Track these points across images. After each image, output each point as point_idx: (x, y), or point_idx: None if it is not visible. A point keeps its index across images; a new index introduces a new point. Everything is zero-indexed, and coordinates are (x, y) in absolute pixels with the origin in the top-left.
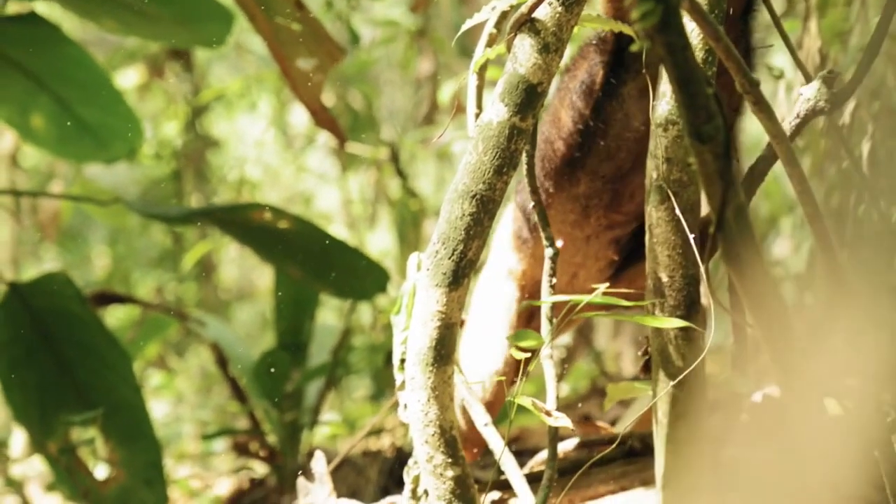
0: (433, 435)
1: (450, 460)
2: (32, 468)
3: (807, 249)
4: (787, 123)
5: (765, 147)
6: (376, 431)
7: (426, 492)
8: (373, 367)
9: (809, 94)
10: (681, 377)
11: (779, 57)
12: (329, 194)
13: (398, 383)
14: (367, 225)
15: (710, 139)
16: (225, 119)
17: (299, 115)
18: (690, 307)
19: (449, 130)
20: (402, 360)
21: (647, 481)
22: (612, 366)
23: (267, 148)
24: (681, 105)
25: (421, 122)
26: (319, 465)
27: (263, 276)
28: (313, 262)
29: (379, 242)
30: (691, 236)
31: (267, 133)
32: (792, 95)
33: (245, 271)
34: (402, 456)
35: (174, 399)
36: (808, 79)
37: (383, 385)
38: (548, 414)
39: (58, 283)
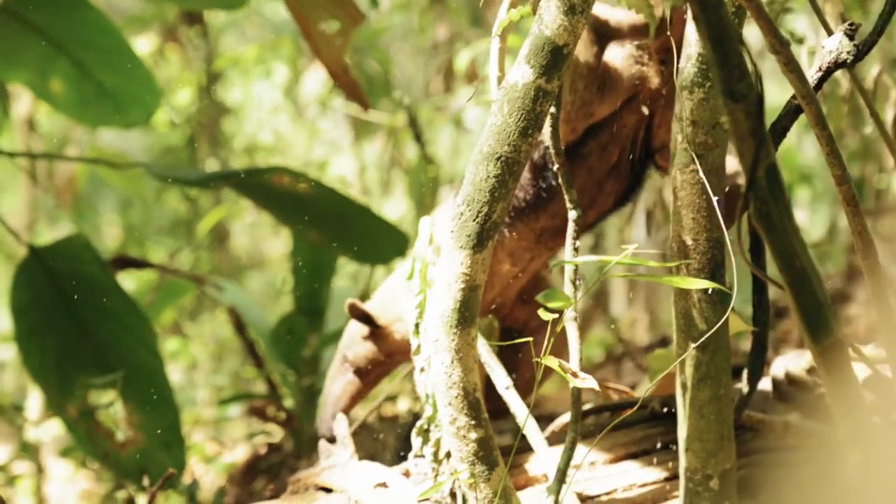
0: (456, 397)
1: (473, 422)
2: (46, 433)
3: (823, 219)
4: (810, 78)
5: (785, 105)
6: (393, 397)
7: (448, 454)
8: None
9: (831, 46)
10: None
11: (800, 22)
12: (342, 162)
13: (413, 348)
14: (381, 192)
15: (743, 98)
16: (240, 86)
17: (313, 83)
18: (715, 270)
19: (464, 98)
20: (416, 325)
21: (669, 444)
22: (628, 333)
23: (281, 115)
24: (714, 64)
25: (435, 90)
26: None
27: (273, 245)
28: (332, 226)
29: (394, 209)
30: (715, 199)
31: (281, 100)
32: (814, 60)
33: (255, 241)
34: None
35: (189, 365)
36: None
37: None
38: (574, 375)
39: (77, 247)
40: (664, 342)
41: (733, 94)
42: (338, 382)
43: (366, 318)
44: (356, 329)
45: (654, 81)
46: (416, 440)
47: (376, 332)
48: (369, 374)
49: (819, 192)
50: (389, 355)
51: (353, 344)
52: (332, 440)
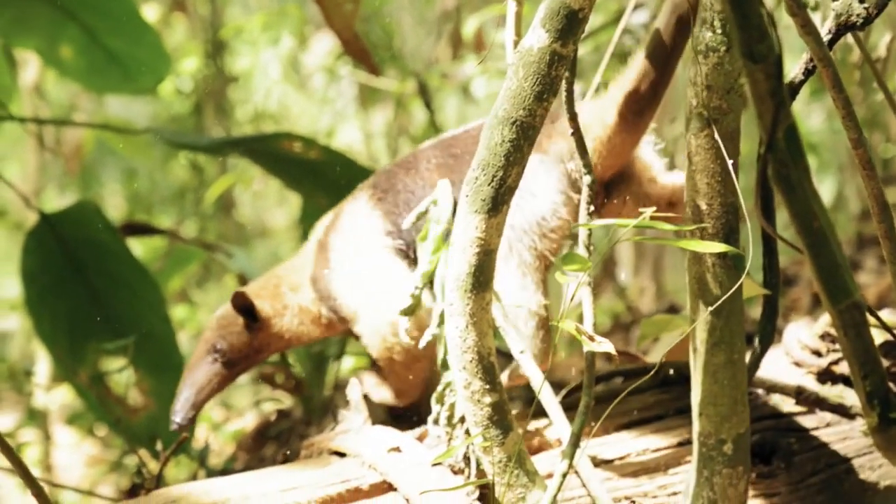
0: (471, 361)
1: (487, 386)
2: (54, 401)
3: (829, 189)
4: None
5: (800, 64)
6: None
7: (462, 419)
8: None
9: (841, 8)
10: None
11: None
12: (349, 130)
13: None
14: (389, 160)
15: (763, 59)
16: (246, 55)
17: (320, 51)
18: (729, 235)
19: (471, 66)
20: (418, 289)
21: (683, 409)
22: (635, 302)
23: (287, 83)
24: (734, 25)
25: (441, 58)
26: (354, 392)
27: (278, 215)
28: (342, 192)
29: None
30: (730, 163)
31: (288, 68)
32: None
33: (259, 211)
34: (428, 388)
35: (196, 332)
36: None
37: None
38: (590, 339)
39: (88, 213)
40: (672, 310)
41: (753, 55)
42: (202, 371)
43: (249, 311)
44: (231, 318)
45: None
46: (435, 406)
47: (253, 325)
48: (237, 366)
49: (825, 161)
50: (261, 349)
51: (227, 334)
52: (181, 429)
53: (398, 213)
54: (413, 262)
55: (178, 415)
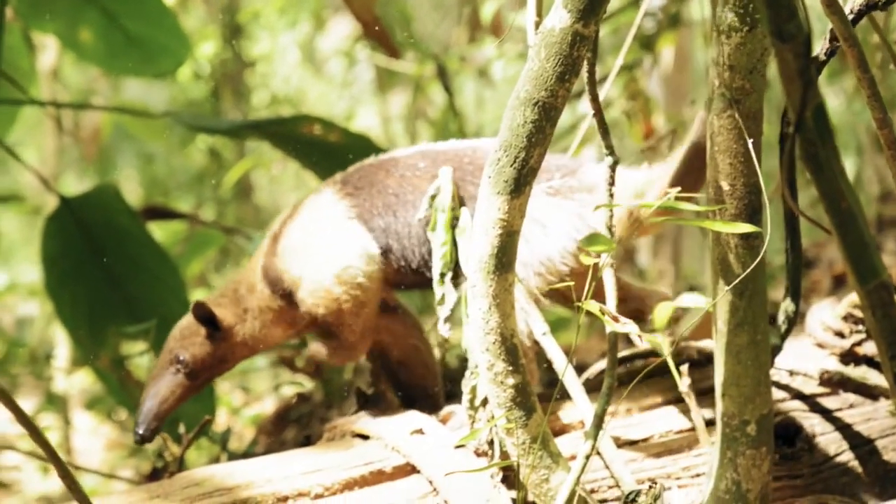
0: (494, 343)
1: (511, 368)
2: (73, 385)
3: (848, 171)
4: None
5: (822, 44)
6: None
7: (484, 401)
8: None
9: None
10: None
11: None
12: (367, 114)
13: (437, 298)
14: (407, 143)
15: (792, 38)
16: (263, 39)
17: (337, 35)
18: (752, 215)
19: (489, 49)
20: (442, 275)
21: (705, 390)
22: (654, 285)
23: (304, 67)
24: (762, 4)
25: (458, 42)
26: (376, 375)
27: (294, 200)
28: None
29: None
30: (750, 142)
31: (305, 53)
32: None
33: (277, 195)
34: (449, 371)
35: None
36: None
37: (430, 300)
38: (615, 319)
39: (108, 197)
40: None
41: (782, 34)
42: (164, 382)
43: (211, 320)
44: (193, 328)
45: None
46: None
47: (216, 335)
48: (200, 377)
49: (844, 143)
50: (225, 359)
51: (189, 345)
52: (144, 440)
53: (373, 211)
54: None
55: (141, 426)
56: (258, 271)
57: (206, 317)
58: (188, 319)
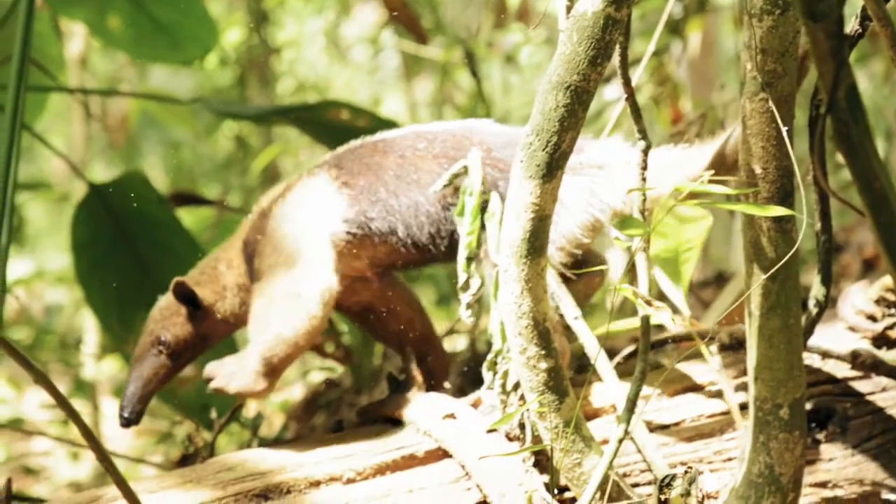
0: (526, 327)
1: (543, 352)
2: (102, 372)
3: (879, 151)
4: None
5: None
6: (449, 332)
7: (515, 386)
8: (445, 268)
9: None
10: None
11: None
12: (393, 101)
13: (460, 283)
14: None
15: (824, 17)
16: (289, 25)
17: (363, 21)
18: (785, 198)
19: (516, 36)
20: (469, 259)
21: (737, 375)
22: None
23: (330, 54)
24: None
25: (484, 27)
26: (408, 359)
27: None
28: None
29: None
30: (784, 128)
31: (331, 39)
32: None
33: None
34: (476, 357)
35: None
36: None
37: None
38: (648, 304)
39: (137, 184)
40: (720, 278)
41: (814, 14)
42: (147, 363)
43: (191, 299)
44: (174, 308)
45: None
46: (486, 374)
47: (197, 314)
48: (182, 357)
49: (871, 127)
50: (206, 337)
51: (171, 325)
52: (129, 423)
53: (371, 197)
54: (355, 257)
55: (126, 409)
56: (238, 247)
57: (186, 296)
58: (168, 299)
